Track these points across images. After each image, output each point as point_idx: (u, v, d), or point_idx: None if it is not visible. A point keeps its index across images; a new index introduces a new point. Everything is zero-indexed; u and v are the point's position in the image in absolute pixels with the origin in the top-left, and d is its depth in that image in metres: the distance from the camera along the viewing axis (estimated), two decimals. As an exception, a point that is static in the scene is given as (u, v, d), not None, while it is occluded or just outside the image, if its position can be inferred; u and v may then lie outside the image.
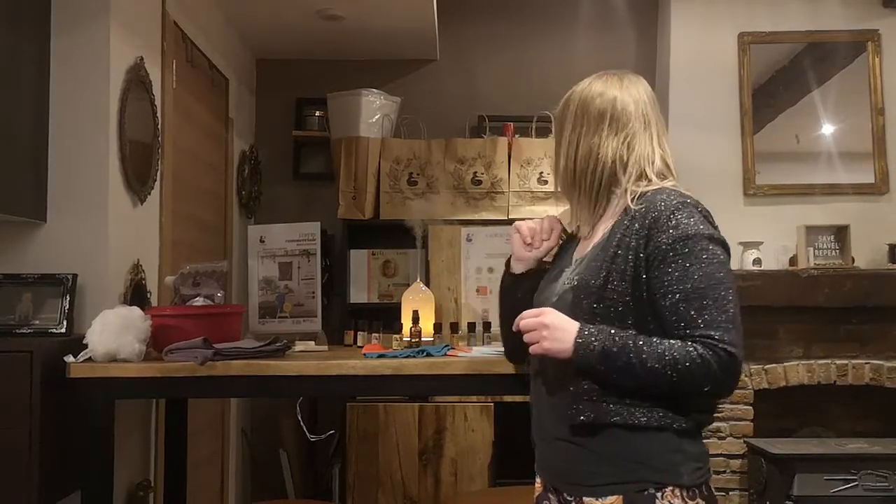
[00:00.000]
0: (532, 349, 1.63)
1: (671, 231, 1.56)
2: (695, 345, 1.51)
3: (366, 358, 2.26)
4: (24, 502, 2.08)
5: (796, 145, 4.25)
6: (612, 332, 1.56)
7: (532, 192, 3.97)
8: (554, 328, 1.59)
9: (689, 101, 4.14)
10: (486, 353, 2.33)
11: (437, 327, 2.81)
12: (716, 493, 1.65)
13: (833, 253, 4.01)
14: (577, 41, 4.40)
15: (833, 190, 4.13)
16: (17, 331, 2.34)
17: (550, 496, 1.69)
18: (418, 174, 4.00)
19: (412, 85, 4.50)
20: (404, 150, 4.03)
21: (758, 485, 3.80)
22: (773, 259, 4.07)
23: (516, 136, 4.07)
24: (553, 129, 1.82)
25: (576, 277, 1.65)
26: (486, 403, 3.75)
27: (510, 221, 3.85)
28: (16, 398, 2.08)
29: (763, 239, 4.01)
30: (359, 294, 4.09)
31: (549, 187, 3.96)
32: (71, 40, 2.50)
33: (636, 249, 1.58)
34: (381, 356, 2.27)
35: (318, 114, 4.38)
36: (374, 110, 4.11)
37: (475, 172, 3.98)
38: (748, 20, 4.22)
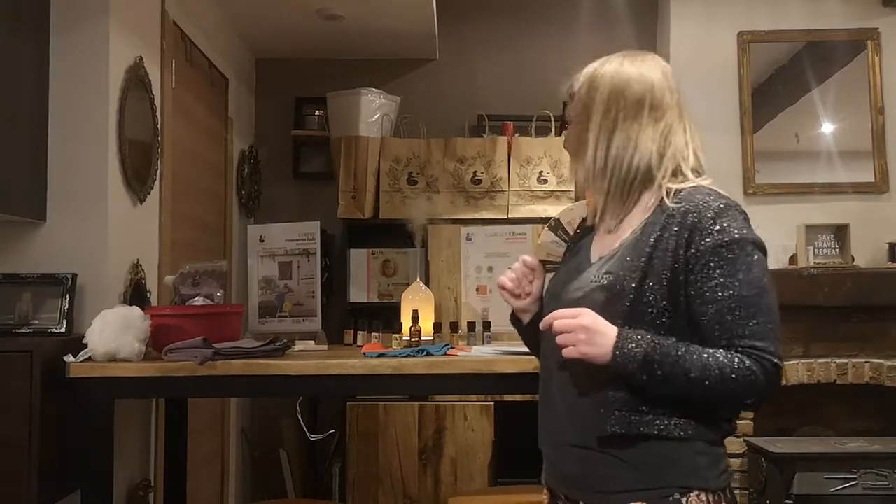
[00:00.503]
0: (566, 352, 1.50)
1: (716, 234, 1.47)
2: (741, 356, 1.44)
3: (366, 357, 2.26)
4: (24, 502, 2.08)
5: (796, 144, 4.25)
6: (653, 338, 1.46)
7: (532, 191, 3.97)
8: (593, 331, 1.48)
9: (688, 99, 4.08)
10: (486, 353, 2.33)
11: (437, 327, 2.82)
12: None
13: (833, 252, 4.01)
14: (577, 41, 4.40)
15: (833, 189, 4.12)
16: (17, 331, 2.35)
17: None
18: (418, 173, 4.00)
19: (412, 84, 4.50)
20: (404, 149, 4.03)
21: (758, 484, 3.80)
22: (772, 258, 4.02)
23: (516, 135, 4.07)
24: (570, 111, 1.71)
25: (607, 276, 1.53)
26: (486, 403, 3.75)
27: (510, 221, 3.87)
28: (16, 398, 2.08)
29: (763, 238, 4.00)
30: (358, 293, 4.09)
31: (549, 186, 3.96)
32: (71, 40, 2.50)
33: (675, 251, 1.48)
34: (380, 356, 2.27)
35: (317, 113, 4.38)
36: (373, 110, 4.11)
37: (475, 172, 3.98)
38: (748, 19, 4.22)
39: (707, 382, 1.43)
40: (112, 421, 2.17)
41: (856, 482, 3.53)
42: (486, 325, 2.84)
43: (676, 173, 1.58)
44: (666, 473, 1.47)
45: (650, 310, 1.49)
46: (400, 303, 2.74)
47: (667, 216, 1.52)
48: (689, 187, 1.55)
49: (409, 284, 2.93)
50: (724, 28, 4.22)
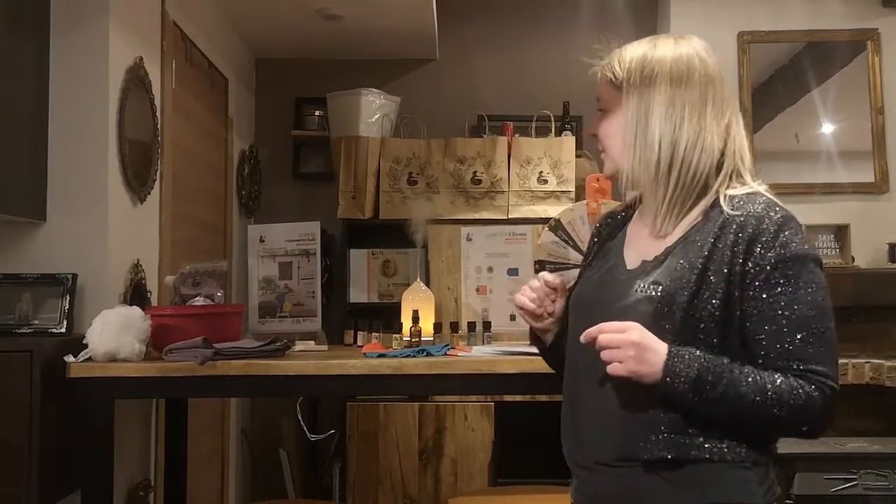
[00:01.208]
0: (612, 368, 1.37)
1: (778, 249, 1.37)
2: (800, 380, 1.34)
3: (366, 357, 2.26)
4: (24, 502, 2.08)
5: (796, 144, 4.25)
6: (706, 357, 1.35)
7: (532, 191, 3.97)
8: (643, 347, 1.36)
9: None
10: (486, 353, 2.33)
11: (437, 327, 2.82)
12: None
13: (833, 252, 4.01)
14: (577, 41, 4.39)
15: (833, 189, 4.12)
16: (17, 331, 2.35)
17: None
18: (418, 174, 4.00)
19: (412, 85, 4.50)
20: (404, 149, 4.03)
21: (758, 484, 3.79)
22: (772, 258, 4.06)
23: (516, 135, 4.07)
24: (609, 99, 1.51)
25: (656, 287, 1.40)
26: (486, 403, 3.75)
27: (510, 221, 3.87)
28: (16, 398, 2.08)
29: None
30: (359, 294, 4.09)
31: (549, 187, 3.95)
32: (71, 40, 2.50)
33: (731, 264, 1.37)
34: (381, 356, 2.27)
35: (317, 113, 4.38)
36: (373, 110, 4.11)
37: (475, 172, 3.98)
38: (748, 19, 4.22)
39: (763, 407, 1.34)
40: (112, 421, 2.17)
41: (856, 482, 3.53)
42: (487, 326, 2.84)
43: (734, 175, 1.46)
44: (713, 491, 1.38)
45: (702, 325, 1.38)
46: (400, 303, 2.74)
47: (722, 223, 1.41)
48: (745, 193, 1.44)
49: (409, 285, 2.93)
50: (724, 28, 4.22)
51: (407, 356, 2.28)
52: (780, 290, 1.37)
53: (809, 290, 1.37)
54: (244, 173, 4.23)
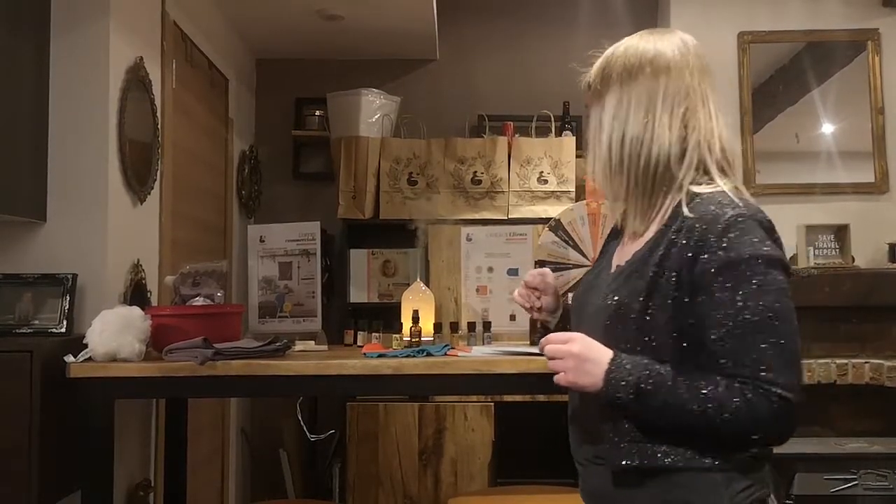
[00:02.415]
0: (556, 379, 1.42)
1: (720, 253, 1.32)
2: (743, 387, 1.29)
3: (366, 357, 2.26)
4: (24, 502, 2.08)
5: (796, 145, 4.25)
6: (648, 366, 1.34)
7: (532, 191, 3.97)
8: (583, 359, 1.39)
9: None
10: (486, 353, 2.33)
11: (437, 327, 2.82)
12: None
13: (833, 252, 4.01)
14: (577, 41, 4.39)
15: (833, 189, 4.12)
16: (17, 331, 2.34)
17: None
18: (418, 174, 4.00)
19: (412, 85, 4.50)
20: (404, 149, 4.03)
21: (758, 484, 3.79)
22: (772, 258, 4.06)
23: (516, 135, 4.07)
24: (589, 104, 1.53)
25: (613, 297, 1.42)
26: (486, 403, 3.74)
27: (510, 221, 3.87)
28: (16, 398, 2.08)
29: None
30: (359, 294, 4.09)
31: (549, 187, 3.96)
32: (71, 40, 2.50)
33: (679, 270, 1.35)
34: (381, 356, 2.27)
35: (317, 113, 4.38)
36: (373, 110, 4.11)
37: (475, 172, 3.98)
38: (748, 20, 4.22)
39: (704, 415, 1.30)
40: (112, 421, 2.17)
41: (856, 483, 3.53)
42: (487, 326, 2.84)
43: (699, 169, 1.42)
44: (678, 495, 1.36)
45: (655, 334, 1.36)
46: (400, 303, 2.74)
47: (677, 228, 1.38)
48: (708, 192, 1.40)
49: (409, 285, 2.93)
50: (724, 28, 4.22)
51: (407, 356, 2.28)
52: (725, 294, 1.31)
53: (756, 292, 1.30)
54: (244, 173, 4.23)
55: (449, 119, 4.36)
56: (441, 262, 3.81)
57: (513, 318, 3.01)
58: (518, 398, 3.55)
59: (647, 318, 1.37)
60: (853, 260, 3.98)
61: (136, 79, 2.71)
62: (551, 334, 1.45)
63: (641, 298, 1.37)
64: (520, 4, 4.53)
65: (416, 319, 2.50)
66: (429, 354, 2.31)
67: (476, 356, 2.28)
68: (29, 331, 2.34)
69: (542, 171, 3.98)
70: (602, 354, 1.38)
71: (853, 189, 4.13)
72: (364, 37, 4.16)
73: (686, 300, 1.34)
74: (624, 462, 1.38)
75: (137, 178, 2.71)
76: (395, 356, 2.28)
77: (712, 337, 1.32)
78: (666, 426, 1.35)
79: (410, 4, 3.76)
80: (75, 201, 2.49)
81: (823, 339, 3.96)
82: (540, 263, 2.86)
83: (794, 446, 3.71)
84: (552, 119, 4.07)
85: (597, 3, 4.43)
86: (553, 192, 3.95)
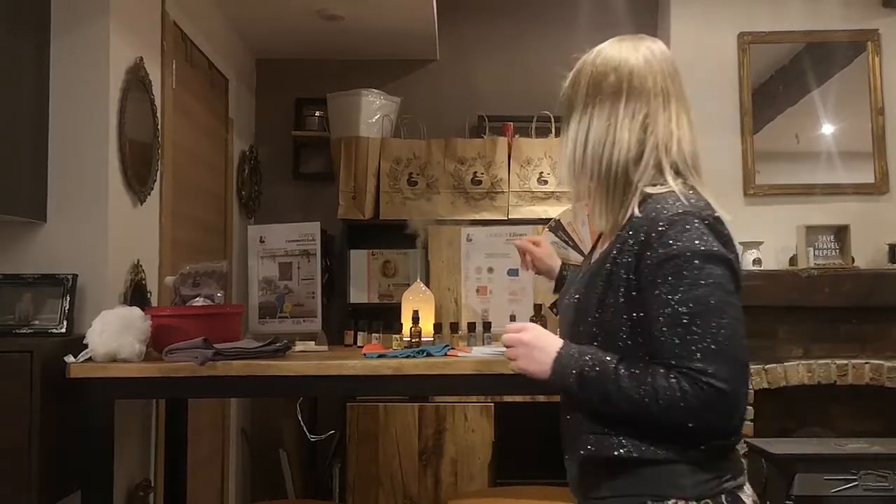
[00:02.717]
0: (510, 366, 1.52)
1: (660, 250, 1.37)
2: (679, 377, 1.32)
3: (366, 358, 2.26)
4: (24, 502, 2.08)
5: (796, 145, 4.25)
6: (594, 356, 1.40)
7: (532, 192, 3.97)
8: (531, 347, 1.48)
9: (688, 100, 4.14)
10: (486, 353, 2.33)
11: (437, 327, 2.81)
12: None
13: (833, 253, 4.01)
14: (577, 41, 4.35)
15: (833, 190, 4.13)
16: (17, 331, 2.34)
17: None
18: (418, 174, 4.00)
19: (412, 85, 4.50)
20: (404, 150, 4.03)
21: (758, 485, 3.79)
22: (773, 259, 4.07)
23: (516, 136, 4.07)
24: (563, 112, 1.60)
25: (576, 296, 1.50)
26: (486, 403, 3.75)
27: (510, 221, 3.87)
28: (16, 398, 2.08)
29: (763, 239, 4.01)
30: (359, 294, 4.09)
31: (550, 187, 3.96)
32: (71, 40, 2.50)
33: (628, 269, 1.41)
34: (381, 356, 2.27)
35: (317, 114, 4.38)
36: (373, 110, 4.11)
37: (475, 172, 3.98)
38: (748, 20, 4.23)
39: (643, 403, 1.34)
40: (112, 421, 2.17)
41: (856, 483, 3.53)
42: (487, 326, 2.84)
43: (657, 170, 1.46)
44: (638, 484, 1.40)
45: (612, 330, 1.42)
46: (400, 303, 2.74)
47: (628, 228, 1.43)
48: (659, 192, 1.44)
49: (409, 285, 2.93)
50: (724, 29, 4.23)
51: (407, 357, 2.28)
52: (664, 289, 1.36)
53: (690, 286, 1.34)
54: (244, 173, 4.23)
55: (449, 119, 4.36)
56: (441, 262, 3.81)
57: (513, 318, 3.00)
58: (518, 398, 3.55)
59: (603, 314, 1.43)
60: (853, 260, 3.98)
61: (136, 79, 2.71)
62: (510, 324, 1.55)
63: (598, 297, 1.44)
64: (520, 4, 4.53)
65: (416, 320, 2.50)
66: (429, 355, 2.31)
67: (476, 356, 2.28)
68: (29, 331, 2.34)
69: (542, 172, 3.98)
70: (551, 344, 1.47)
71: (853, 189, 4.13)
72: (364, 37, 4.16)
73: (634, 295, 1.40)
74: (582, 452, 1.45)
75: (137, 179, 2.71)
76: (395, 356, 2.28)
77: (654, 332, 1.37)
78: (610, 414, 1.40)
79: (410, 4, 3.76)
80: (75, 201, 2.49)
81: (823, 339, 3.97)
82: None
83: (795, 446, 3.72)
84: (552, 119, 4.07)
85: (597, 3, 4.43)
86: (553, 192, 3.95)
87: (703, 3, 4.24)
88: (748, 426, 3.94)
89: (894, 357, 3.95)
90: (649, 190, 1.45)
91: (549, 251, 2.22)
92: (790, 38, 4.23)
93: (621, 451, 1.40)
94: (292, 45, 4.33)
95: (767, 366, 3.96)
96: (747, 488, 1.43)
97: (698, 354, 1.32)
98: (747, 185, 4.15)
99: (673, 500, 1.37)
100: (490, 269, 3.38)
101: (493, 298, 2.92)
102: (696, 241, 1.37)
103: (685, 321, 1.34)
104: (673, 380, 1.33)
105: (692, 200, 1.42)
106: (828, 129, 4.21)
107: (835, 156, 4.17)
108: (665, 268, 1.36)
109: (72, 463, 2.21)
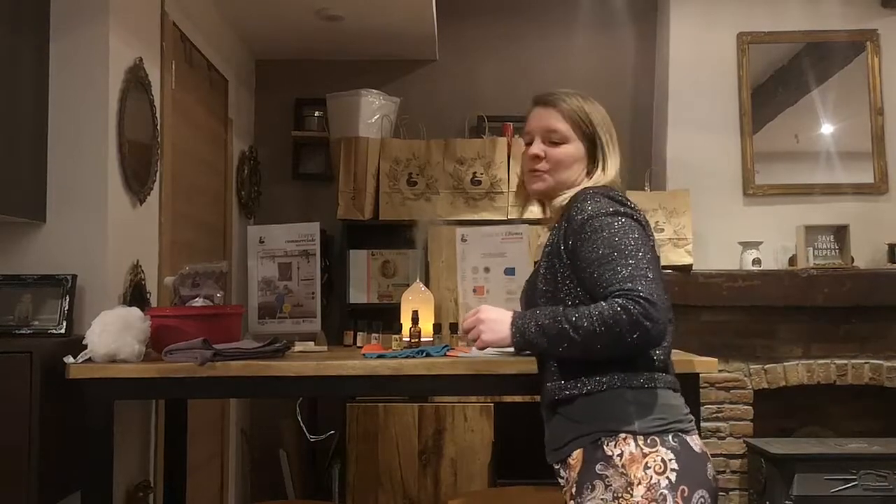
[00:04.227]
0: (476, 345, 1.79)
1: (578, 217, 1.70)
2: (614, 298, 1.59)
3: (365, 358, 2.26)
4: (24, 502, 2.08)
5: (796, 145, 4.25)
6: (545, 309, 1.70)
7: (531, 192, 3.96)
8: (489, 321, 1.76)
9: (688, 100, 4.15)
10: (486, 354, 2.33)
11: (437, 327, 2.81)
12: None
13: (832, 253, 4.01)
14: (577, 41, 4.40)
15: (832, 190, 4.13)
16: (17, 331, 2.34)
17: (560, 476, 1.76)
18: (418, 174, 4.00)
19: (412, 85, 4.50)
20: (404, 150, 4.03)
21: (758, 485, 3.80)
22: (772, 259, 4.07)
23: (516, 136, 4.07)
24: (570, 135, 1.92)
25: (529, 280, 1.86)
26: (485, 403, 3.75)
27: (510, 222, 3.86)
28: (16, 398, 2.08)
29: (762, 239, 4.02)
30: (358, 294, 4.09)
31: (549, 187, 3.95)
32: (70, 41, 2.50)
33: (565, 242, 1.72)
34: (380, 356, 2.27)
35: (317, 114, 4.38)
36: (373, 110, 4.11)
37: (475, 173, 3.99)
38: (747, 20, 4.23)
39: (594, 328, 1.59)
40: (112, 422, 2.17)
41: (856, 483, 3.53)
42: (486, 326, 2.83)
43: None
44: (596, 422, 1.65)
45: (564, 295, 1.72)
46: (400, 304, 2.73)
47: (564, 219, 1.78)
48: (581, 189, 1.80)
49: (408, 285, 2.92)
50: (723, 29, 4.23)
51: (406, 357, 2.28)
52: (587, 243, 1.68)
53: (605, 235, 1.66)
54: (244, 174, 4.23)
55: (448, 119, 4.37)
56: (440, 262, 3.81)
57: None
58: (518, 398, 3.55)
59: (555, 289, 1.75)
60: (853, 260, 3.98)
61: (136, 80, 2.71)
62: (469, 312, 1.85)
63: (542, 274, 1.78)
64: (520, 4, 4.53)
65: (415, 320, 2.50)
66: (428, 355, 2.31)
67: (476, 356, 2.28)
68: (29, 331, 2.34)
69: (541, 172, 3.97)
70: (505, 313, 1.76)
71: (853, 189, 4.13)
72: (364, 37, 4.16)
73: (567, 262, 1.73)
74: (553, 396, 1.72)
75: (137, 179, 2.71)
76: (395, 357, 2.28)
77: (586, 277, 1.68)
78: (574, 351, 1.65)
79: (410, 4, 3.76)
80: (75, 202, 2.49)
81: (823, 339, 3.97)
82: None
83: (794, 446, 3.72)
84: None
85: (597, 3, 4.44)
86: (553, 192, 3.95)
87: (702, 4, 4.24)
88: (747, 426, 3.95)
89: (894, 357, 3.96)
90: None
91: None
92: (789, 38, 4.23)
93: (566, 391, 1.69)
94: (292, 46, 4.33)
95: (767, 365, 3.96)
96: (697, 438, 1.67)
97: (624, 278, 1.61)
98: (747, 185, 4.15)
99: (623, 435, 1.61)
100: (486, 269, 3.37)
101: (490, 298, 2.90)
102: (604, 207, 1.70)
103: (610, 259, 1.64)
104: (613, 301, 1.59)
105: (606, 186, 1.80)
106: (827, 129, 4.22)
107: (834, 156, 4.17)
108: (585, 229, 1.69)
109: (71, 463, 2.21)
